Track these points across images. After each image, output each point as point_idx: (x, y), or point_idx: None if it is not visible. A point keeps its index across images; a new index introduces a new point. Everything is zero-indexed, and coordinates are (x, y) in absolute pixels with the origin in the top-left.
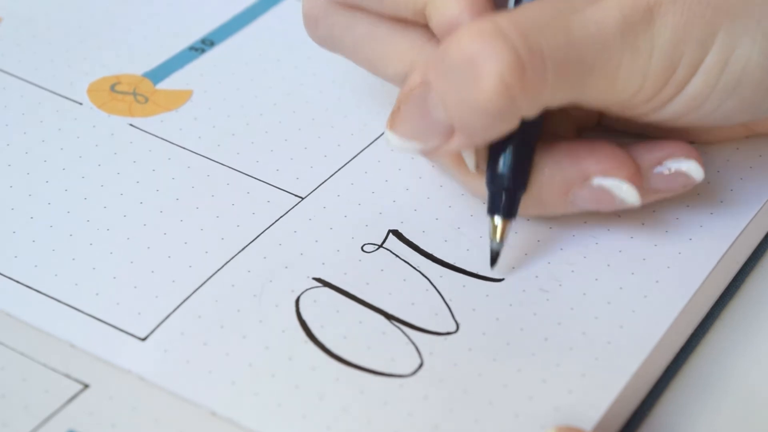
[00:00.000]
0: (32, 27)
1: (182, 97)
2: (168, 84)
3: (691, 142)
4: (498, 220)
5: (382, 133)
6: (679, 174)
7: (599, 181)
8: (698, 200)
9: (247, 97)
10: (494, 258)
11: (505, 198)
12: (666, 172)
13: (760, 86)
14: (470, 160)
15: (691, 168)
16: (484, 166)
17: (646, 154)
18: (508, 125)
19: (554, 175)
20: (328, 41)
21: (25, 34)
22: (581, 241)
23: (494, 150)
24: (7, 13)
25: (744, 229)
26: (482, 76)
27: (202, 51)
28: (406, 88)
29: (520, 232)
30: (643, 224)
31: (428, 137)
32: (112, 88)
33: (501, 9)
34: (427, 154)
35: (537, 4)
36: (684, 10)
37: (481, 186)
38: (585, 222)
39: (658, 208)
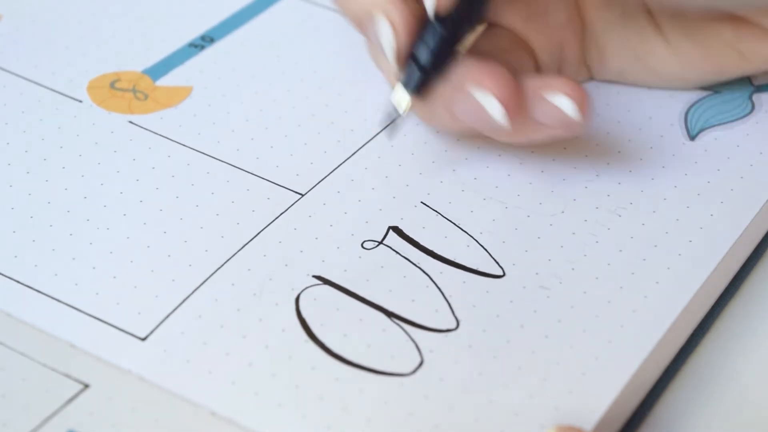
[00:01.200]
0: (31, 24)
1: (182, 93)
2: (168, 81)
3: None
4: (405, 93)
5: (383, 129)
6: (554, 108)
7: (474, 91)
8: (698, 200)
9: (247, 93)
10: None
11: (420, 75)
12: (546, 104)
13: None
14: (389, 49)
15: (566, 105)
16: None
17: (533, 81)
18: None
19: (445, 85)
20: None
21: (25, 32)
22: (582, 239)
23: (424, 32)
24: (7, 11)
25: (744, 229)
26: None
27: (202, 47)
28: None
29: (520, 228)
30: (643, 224)
31: None
32: (112, 85)
33: None
34: None
35: None
36: None
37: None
38: (585, 220)
39: (658, 208)
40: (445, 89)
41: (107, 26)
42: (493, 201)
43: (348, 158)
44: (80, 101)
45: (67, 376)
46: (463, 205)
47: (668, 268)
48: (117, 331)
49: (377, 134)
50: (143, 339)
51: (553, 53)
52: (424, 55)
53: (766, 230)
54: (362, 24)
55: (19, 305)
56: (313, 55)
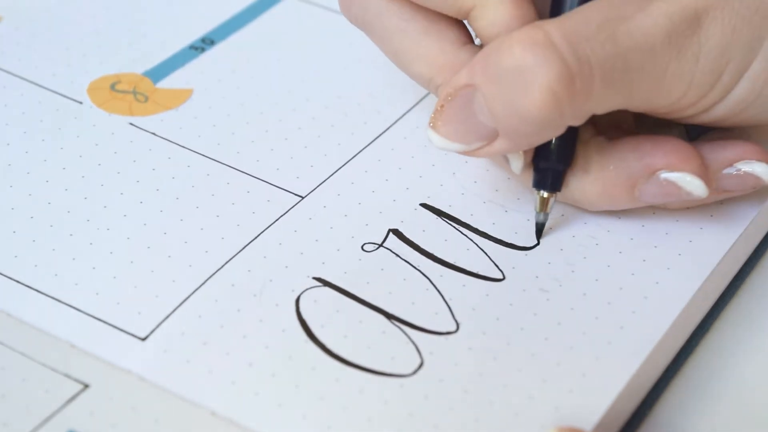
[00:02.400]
0: (32, 25)
1: (182, 95)
2: (168, 83)
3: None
4: (545, 193)
5: (383, 132)
6: (749, 176)
7: (665, 174)
8: (699, 201)
9: (248, 95)
10: (539, 230)
11: (552, 174)
12: (736, 173)
13: None
14: (516, 162)
15: (763, 171)
16: (526, 169)
17: (716, 154)
18: (553, 133)
19: (620, 170)
20: (359, 22)
21: (26, 33)
22: (582, 241)
23: None
24: (8, 12)
25: (744, 230)
26: (533, 85)
27: (203, 50)
28: (449, 89)
29: (520, 232)
30: (643, 226)
31: (471, 139)
32: (112, 87)
33: (544, 15)
34: (469, 154)
35: (584, 11)
36: (732, 16)
37: (525, 178)
38: (585, 223)
39: (658, 210)
40: (618, 178)
41: (108, 28)
42: (493, 204)
43: (348, 161)
44: (80, 103)
45: (67, 376)
46: (463, 209)
47: (668, 269)
48: (117, 331)
49: (377, 138)
50: (143, 339)
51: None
52: (550, 153)
53: (765, 231)
54: None
55: (19, 305)
56: (313, 57)
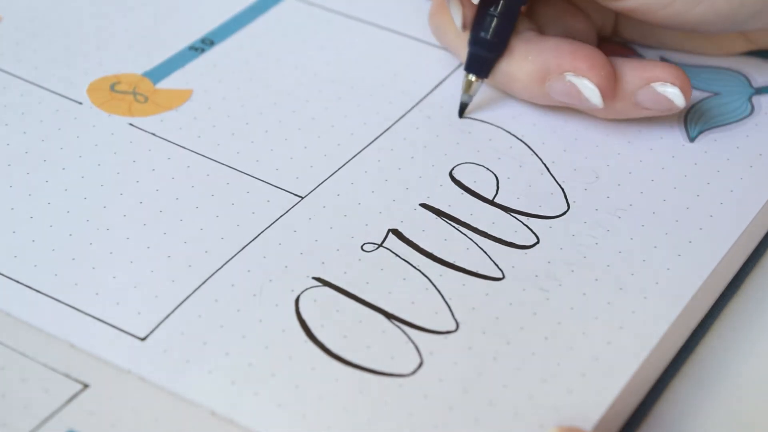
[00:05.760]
0: (32, 26)
1: (182, 96)
2: (168, 83)
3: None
4: (472, 77)
5: (383, 133)
6: (662, 97)
7: (571, 77)
8: (698, 202)
9: (247, 96)
10: (462, 109)
11: (482, 60)
12: (650, 91)
13: None
14: (458, 17)
15: (675, 94)
16: (467, 29)
17: (636, 71)
18: None
19: (536, 63)
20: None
21: (25, 34)
22: (581, 241)
23: (480, 16)
24: (7, 13)
25: (744, 230)
26: None
27: (202, 50)
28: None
29: (519, 231)
30: (643, 226)
31: None
32: (112, 87)
33: None
34: None
35: None
36: None
37: (462, 49)
38: (585, 222)
39: (658, 210)
40: (533, 69)
41: (108, 29)
42: (492, 204)
43: (348, 161)
44: (80, 103)
45: (67, 376)
46: (462, 208)
47: (668, 269)
48: (117, 331)
49: (376, 138)
50: (143, 339)
51: (607, 18)
52: (485, 41)
53: (765, 231)
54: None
55: (19, 305)
56: (312, 58)
